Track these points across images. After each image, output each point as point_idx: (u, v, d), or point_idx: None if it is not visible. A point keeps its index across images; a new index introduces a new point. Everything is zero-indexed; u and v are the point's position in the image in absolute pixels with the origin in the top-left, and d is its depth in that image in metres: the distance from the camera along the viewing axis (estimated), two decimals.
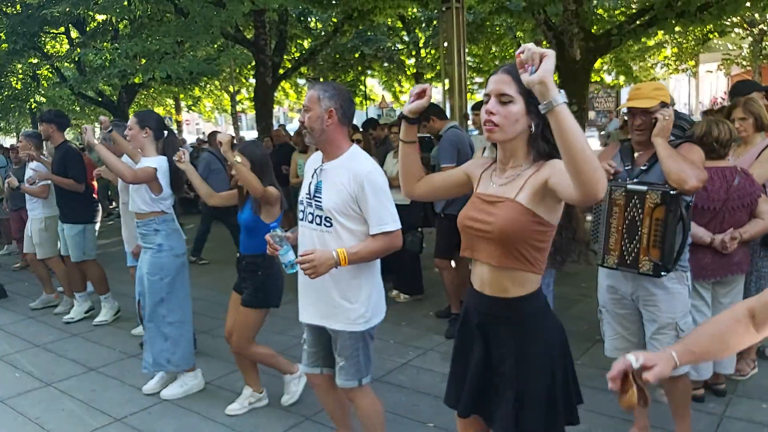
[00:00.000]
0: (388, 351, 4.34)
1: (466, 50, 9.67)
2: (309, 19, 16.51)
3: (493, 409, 1.86)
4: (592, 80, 15.82)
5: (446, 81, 9.69)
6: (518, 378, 1.80)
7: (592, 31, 8.54)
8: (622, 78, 18.05)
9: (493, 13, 11.37)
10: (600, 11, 11.97)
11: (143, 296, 3.85)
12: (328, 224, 2.42)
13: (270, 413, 3.49)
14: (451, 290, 4.79)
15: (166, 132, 3.93)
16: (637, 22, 8.25)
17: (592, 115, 15.56)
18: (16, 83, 14.05)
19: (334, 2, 11.05)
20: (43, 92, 13.67)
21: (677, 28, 9.57)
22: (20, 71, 13.78)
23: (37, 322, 5.48)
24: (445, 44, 9.49)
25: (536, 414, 1.80)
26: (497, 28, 16.12)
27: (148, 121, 3.84)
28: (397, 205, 2.48)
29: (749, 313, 1.44)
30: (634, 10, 9.66)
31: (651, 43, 17.25)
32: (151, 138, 3.82)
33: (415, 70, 19.49)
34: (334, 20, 13.98)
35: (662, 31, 9.41)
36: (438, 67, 17.16)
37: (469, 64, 16.88)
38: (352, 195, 2.37)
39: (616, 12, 12.40)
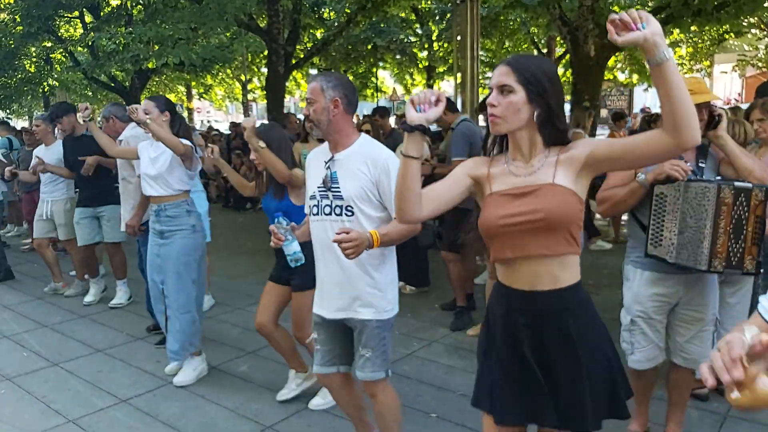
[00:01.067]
0: (393, 341, 4.35)
1: (479, 44, 9.63)
2: (323, 9, 16.49)
3: (547, 407, 1.80)
4: (606, 78, 15.72)
5: (458, 75, 9.66)
6: (586, 367, 1.77)
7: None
8: (635, 77, 17.93)
9: (507, 8, 11.31)
10: (615, 8, 11.87)
11: (165, 283, 3.78)
12: (349, 213, 2.37)
13: (273, 400, 3.51)
14: (458, 283, 4.79)
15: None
16: None
17: (604, 113, 15.46)
18: (30, 66, 14.11)
19: None
20: (56, 76, 13.71)
21: (693, 27, 9.49)
22: (34, 54, 13.84)
23: (46, 303, 5.53)
24: (459, 38, 9.45)
25: (604, 400, 1.81)
26: (511, 23, 16.06)
27: (168, 105, 3.84)
28: None
29: None
30: (650, 8, 9.58)
31: (666, 42, 17.11)
32: (168, 122, 3.80)
33: (427, 63, 19.46)
34: (348, 11, 13.96)
35: (678, 30, 9.31)
36: (450, 61, 17.13)
37: (482, 58, 16.81)
38: (372, 181, 2.35)
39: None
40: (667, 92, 1.53)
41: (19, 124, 18.83)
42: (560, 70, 17.24)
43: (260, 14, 13.06)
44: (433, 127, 7.70)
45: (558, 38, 14.48)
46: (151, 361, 4.10)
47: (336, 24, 15.76)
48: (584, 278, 1.87)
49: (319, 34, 17.05)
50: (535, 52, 17.87)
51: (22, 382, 3.83)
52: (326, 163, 2.45)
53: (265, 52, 13.24)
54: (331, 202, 2.41)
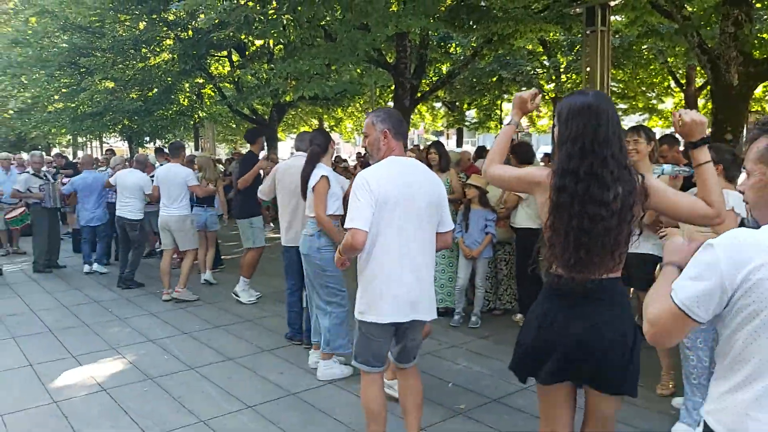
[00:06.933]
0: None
1: (610, 75, 9.33)
2: (449, 44, 16.79)
3: None
4: (752, 109, 14.50)
5: None
6: None
7: (754, 55, 7.82)
8: None
9: (641, 37, 10.87)
10: (764, 35, 11.00)
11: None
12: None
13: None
14: None
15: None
16: None
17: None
18: (183, 100, 15.68)
19: (474, 27, 11.13)
20: (205, 109, 15.11)
21: None
22: (187, 90, 15.38)
23: (187, 312, 6.07)
24: (588, 69, 9.22)
25: None
26: (645, 53, 15.36)
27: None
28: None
29: None
30: None
31: None
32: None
33: (554, 95, 19.05)
34: (474, 44, 14.10)
35: None
36: None
37: (613, 89, 16.21)
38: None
39: None
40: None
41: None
42: (701, 102, 16.19)
43: (389, 50, 13.59)
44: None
45: (698, 68, 13.65)
46: (275, 372, 4.36)
47: (462, 57, 15.97)
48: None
49: (444, 68, 17.34)
50: (672, 83, 16.92)
51: (162, 382, 4.23)
52: None
53: (392, 86, 13.69)
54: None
